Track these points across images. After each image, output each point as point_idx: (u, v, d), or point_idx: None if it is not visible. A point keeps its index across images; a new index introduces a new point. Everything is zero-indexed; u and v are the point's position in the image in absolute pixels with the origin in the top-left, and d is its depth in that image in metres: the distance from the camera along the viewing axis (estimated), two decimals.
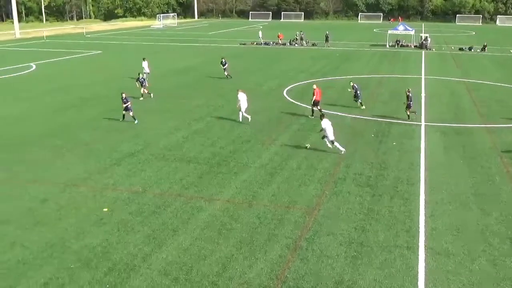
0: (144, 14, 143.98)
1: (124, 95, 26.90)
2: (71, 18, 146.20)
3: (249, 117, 26.91)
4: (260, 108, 30.27)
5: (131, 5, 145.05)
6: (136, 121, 26.83)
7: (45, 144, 23.40)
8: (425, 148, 22.67)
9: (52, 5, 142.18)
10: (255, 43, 71.88)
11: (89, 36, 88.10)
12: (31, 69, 46.88)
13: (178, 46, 69.67)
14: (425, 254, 13.55)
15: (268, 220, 15.54)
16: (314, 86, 28.15)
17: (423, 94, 34.30)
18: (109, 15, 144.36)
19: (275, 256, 13.46)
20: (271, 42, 71.50)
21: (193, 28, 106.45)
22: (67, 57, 56.61)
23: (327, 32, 69.81)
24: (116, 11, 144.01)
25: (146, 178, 19.07)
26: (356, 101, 30.61)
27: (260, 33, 75.60)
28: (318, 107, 27.65)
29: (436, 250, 13.74)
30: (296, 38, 71.84)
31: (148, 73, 38.47)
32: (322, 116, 22.28)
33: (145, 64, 38.64)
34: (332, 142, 21.72)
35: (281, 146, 23.00)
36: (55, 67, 49.07)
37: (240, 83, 38.60)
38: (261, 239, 14.35)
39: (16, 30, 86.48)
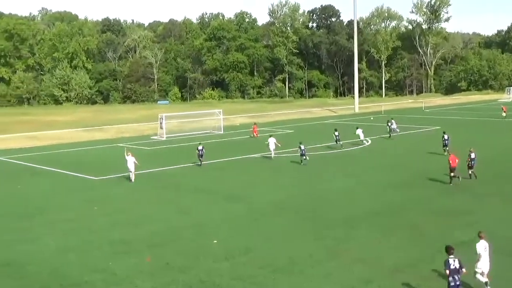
0: (491, 87, 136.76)
1: None
2: (411, 93, 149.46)
3: None
4: None
5: (476, 78, 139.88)
6: None
7: (373, 222, 23.27)
8: None
9: (392, 79, 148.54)
10: None
11: (427, 110, 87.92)
12: (366, 144, 48.00)
13: None
14: None
15: None
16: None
17: None
18: (451, 89, 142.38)
19: None
20: None
21: None
22: (404, 132, 56.68)
23: None
24: (459, 85, 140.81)
25: None
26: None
27: None
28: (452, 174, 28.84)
29: None
30: None
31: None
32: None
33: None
34: None
35: None
36: (389, 142, 49.91)
37: None
38: None
39: (356, 105, 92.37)
